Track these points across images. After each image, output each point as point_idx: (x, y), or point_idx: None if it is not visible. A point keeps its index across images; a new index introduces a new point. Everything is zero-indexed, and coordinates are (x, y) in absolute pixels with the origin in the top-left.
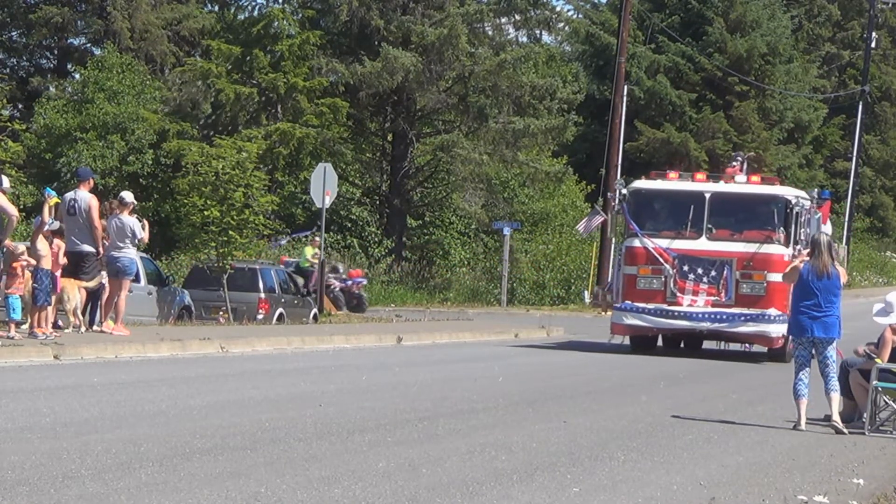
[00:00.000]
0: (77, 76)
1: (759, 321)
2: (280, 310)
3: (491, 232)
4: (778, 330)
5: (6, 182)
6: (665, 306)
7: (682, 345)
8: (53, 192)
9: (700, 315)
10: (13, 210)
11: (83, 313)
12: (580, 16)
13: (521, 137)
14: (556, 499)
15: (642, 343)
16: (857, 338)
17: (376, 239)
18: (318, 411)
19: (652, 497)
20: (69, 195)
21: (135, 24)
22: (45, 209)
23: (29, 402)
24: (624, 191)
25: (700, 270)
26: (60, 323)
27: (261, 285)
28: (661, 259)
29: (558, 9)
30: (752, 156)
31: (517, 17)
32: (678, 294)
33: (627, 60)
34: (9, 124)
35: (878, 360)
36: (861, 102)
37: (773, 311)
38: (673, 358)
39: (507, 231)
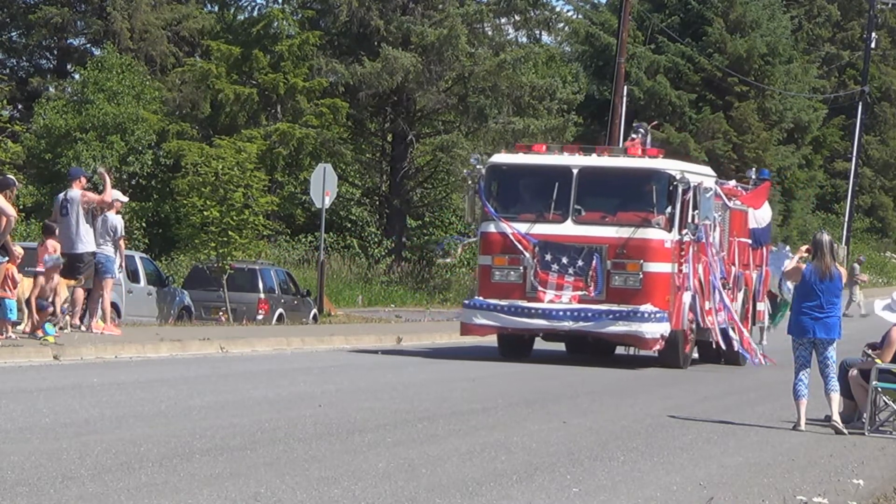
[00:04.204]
0: (77, 76)
1: (631, 319)
2: (280, 310)
3: None
4: (654, 330)
5: (16, 183)
6: (521, 303)
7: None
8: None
9: (561, 313)
10: (11, 211)
11: (81, 313)
12: (580, 16)
13: (521, 138)
14: (555, 499)
15: (512, 346)
16: (856, 338)
17: (376, 239)
18: (318, 411)
19: (651, 497)
20: (60, 196)
21: (134, 25)
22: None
23: (29, 403)
24: (480, 166)
25: (565, 260)
26: (60, 324)
27: (260, 286)
28: (519, 246)
29: (558, 9)
30: (657, 124)
31: (517, 18)
32: (539, 288)
33: (627, 61)
34: (8, 125)
35: (877, 361)
36: (861, 103)
37: (647, 308)
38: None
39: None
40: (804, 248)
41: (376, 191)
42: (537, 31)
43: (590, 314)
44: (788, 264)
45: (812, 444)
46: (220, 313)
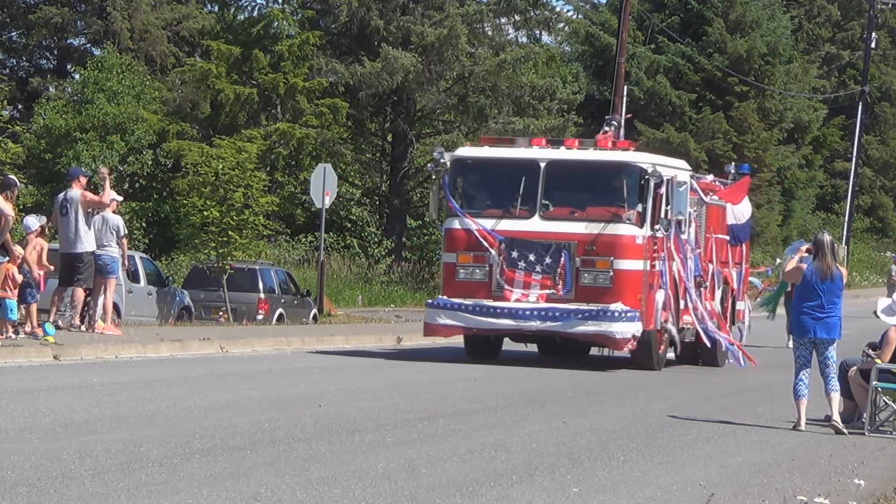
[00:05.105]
0: (77, 76)
1: (601, 319)
2: (280, 310)
3: None
4: (624, 329)
5: (18, 183)
6: (486, 302)
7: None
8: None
9: (528, 312)
10: (10, 210)
11: (82, 312)
12: (580, 16)
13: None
14: (555, 499)
15: (479, 348)
16: (856, 338)
17: (376, 239)
18: (318, 411)
19: (652, 497)
20: (60, 196)
21: (134, 25)
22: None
23: (29, 403)
24: (444, 159)
25: (532, 257)
26: (60, 323)
27: (260, 286)
28: (484, 243)
29: (558, 9)
30: (630, 117)
31: (517, 18)
32: (505, 287)
33: (627, 61)
34: (8, 125)
35: (877, 360)
36: (861, 103)
37: (618, 307)
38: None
39: None
40: (804, 247)
41: (376, 191)
42: (537, 31)
43: (558, 314)
44: (789, 265)
45: (812, 444)
46: (220, 313)
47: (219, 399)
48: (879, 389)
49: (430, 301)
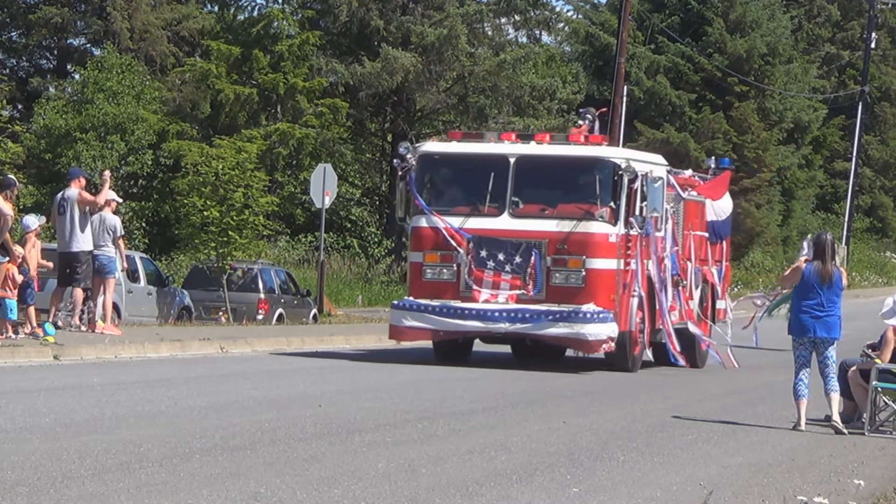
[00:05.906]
0: (77, 77)
1: (573, 320)
2: (280, 310)
3: None
4: (597, 331)
5: (18, 183)
6: (454, 303)
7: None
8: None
9: (497, 314)
10: (8, 210)
11: (81, 312)
12: (580, 16)
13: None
14: (555, 499)
15: (448, 350)
16: (856, 338)
17: (376, 239)
18: (318, 411)
19: (652, 497)
20: (58, 195)
21: (134, 25)
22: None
23: (29, 403)
24: (410, 155)
25: (501, 256)
26: (60, 323)
27: (260, 286)
28: (452, 242)
29: (558, 9)
30: (605, 111)
31: (517, 18)
32: (474, 287)
33: (627, 61)
34: (8, 125)
35: (877, 360)
36: (861, 103)
37: (590, 308)
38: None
39: None
40: (803, 257)
41: (376, 191)
42: (537, 31)
43: (528, 315)
44: (787, 271)
45: (812, 444)
46: (220, 313)
47: (219, 399)
48: (879, 389)
49: (395, 302)
